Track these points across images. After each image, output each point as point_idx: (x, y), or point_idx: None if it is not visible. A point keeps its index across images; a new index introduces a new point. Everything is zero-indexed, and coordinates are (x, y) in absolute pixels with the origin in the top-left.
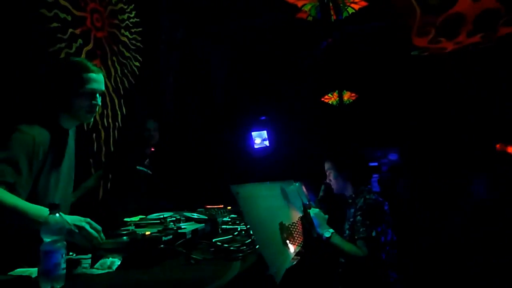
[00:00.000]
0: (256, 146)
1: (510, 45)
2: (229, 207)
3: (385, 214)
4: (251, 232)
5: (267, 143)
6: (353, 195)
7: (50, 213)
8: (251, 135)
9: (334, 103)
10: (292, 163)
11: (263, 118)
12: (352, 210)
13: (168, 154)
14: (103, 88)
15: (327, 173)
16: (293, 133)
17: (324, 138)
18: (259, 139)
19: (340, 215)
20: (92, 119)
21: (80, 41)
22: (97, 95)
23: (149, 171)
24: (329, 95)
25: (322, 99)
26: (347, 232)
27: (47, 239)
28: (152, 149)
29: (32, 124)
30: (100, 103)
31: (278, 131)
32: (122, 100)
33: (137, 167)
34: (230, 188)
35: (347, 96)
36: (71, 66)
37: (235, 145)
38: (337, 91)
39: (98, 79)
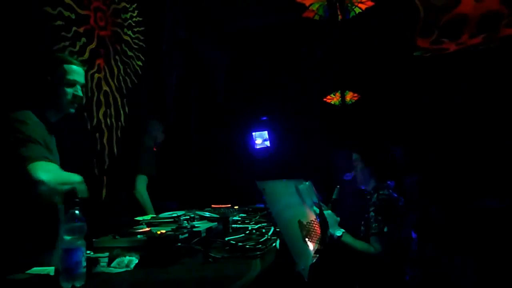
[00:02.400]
0: (257, 147)
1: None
2: (236, 207)
3: (399, 210)
4: (278, 229)
5: (268, 143)
6: (372, 191)
7: (70, 210)
8: (252, 136)
9: (336, 103)
10: (294, 163)
11: (264, 118)
12: None
13: (170, 153)
14: (84, 81)
15: (354, 164)
16: (295, 134)
17: (326, 138)
18: (260, 139)
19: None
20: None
21: (83, 39)
22: (79, 86)
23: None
24: (331, 95)
25: (324, 99)
26: (362, 228)
27: (67, 237)
28: (155, 149)
29: (29, 117)
30: (82, 95)
31: (279, 131)
32: (125, 100)
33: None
34: (256, 184)
35: (349, 96)
36: (53, 59)
37: (237, 145)
38: (339, 91)
39: (79, 71)
